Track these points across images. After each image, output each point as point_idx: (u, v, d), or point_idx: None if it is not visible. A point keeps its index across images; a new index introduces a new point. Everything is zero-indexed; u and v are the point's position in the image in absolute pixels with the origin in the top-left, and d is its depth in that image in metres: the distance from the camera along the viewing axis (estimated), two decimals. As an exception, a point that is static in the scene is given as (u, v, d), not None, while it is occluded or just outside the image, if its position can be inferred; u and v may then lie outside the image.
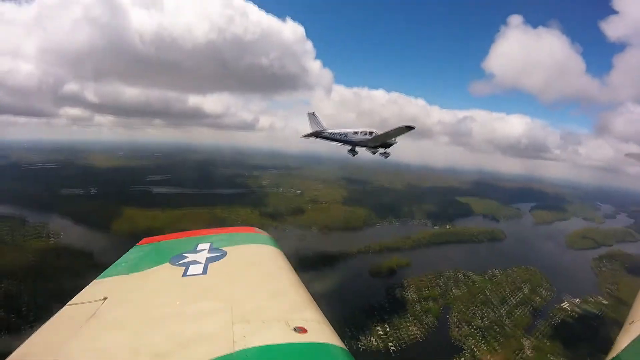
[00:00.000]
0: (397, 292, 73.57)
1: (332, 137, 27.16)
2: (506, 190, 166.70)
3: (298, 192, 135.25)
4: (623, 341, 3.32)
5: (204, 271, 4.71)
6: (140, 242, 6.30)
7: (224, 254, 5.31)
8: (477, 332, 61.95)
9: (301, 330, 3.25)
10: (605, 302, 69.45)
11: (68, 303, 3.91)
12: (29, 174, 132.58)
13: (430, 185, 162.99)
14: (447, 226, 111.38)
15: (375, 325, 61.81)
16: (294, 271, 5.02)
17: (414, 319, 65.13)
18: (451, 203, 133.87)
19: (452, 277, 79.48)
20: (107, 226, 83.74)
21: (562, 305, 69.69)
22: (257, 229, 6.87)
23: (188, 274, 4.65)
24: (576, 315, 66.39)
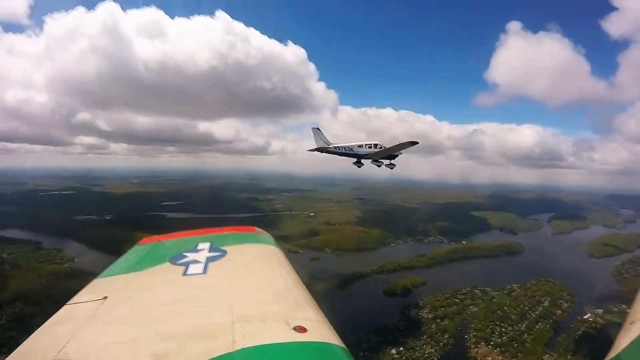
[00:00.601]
0: (412, 311, 72.04)
1: (336, 152, 27.40)
2: (523, 202, 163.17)
3: (312, 214, 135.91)
4: (623, 341, 3.37)
5: (204, 270, 4.75)
6: (140, 242, 6.38)
7: (224, 253, 5.36)
8: (496, 350, 60.48)
9: (301, 329, 3.27)
10: (628, 310, 66.43)
11: (68, 302, 3.99)
12: (45, 200, 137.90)
13: (445, 201, 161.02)
14: (464, 242, 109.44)
15: (390, 348, 61.13)
16: (294, 271, 5.07)
17: (429, 339, 63.76)
18: (467, 218, 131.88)
19: (469, 294, 77.73)
20: (119, 251, 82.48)
21: (584, 317, 67.29)
22: (257, 229, 6.95)
23: (188, 273, 4.69)
24: (599, 327, 64.01)
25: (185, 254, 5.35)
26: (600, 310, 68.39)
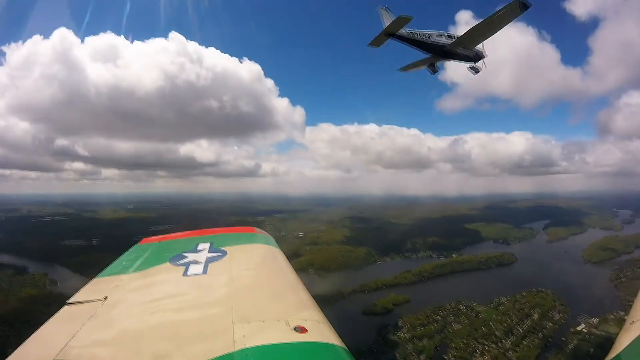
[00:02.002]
0: (390, 332, 66.35)
1: (411, 38, 21.81)
2: (518, 211, 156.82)
3: (300, 234, 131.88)
4: (623, 341, 3.27)
5: (204, 271, 4.70)
6: (140, 242, 6.36)
7: (224, 253, 5.30)
8: (476, 371, 53.65)
9: (301, 330, 3.18)
10: (626, 317, 59.68)
11: (68, 302, 3.91)
12: (37, 226, 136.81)
13: (438, 216, 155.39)
14: (454, 256, 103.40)
15: (359, 373, 54.58)
16: (294, 271, 5.03)
17: (404, 362, 57.47)
18: (459, 232, 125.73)
19: (452, 310, 71.24)
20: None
21: (577, 328, 60.27)
22: (257, 229, 7.01)
23: (188, 273, 4.63)
24: (593, 337, 57.02)
25: (185, 254, 5.32)
26: (595, 320, 61.27)
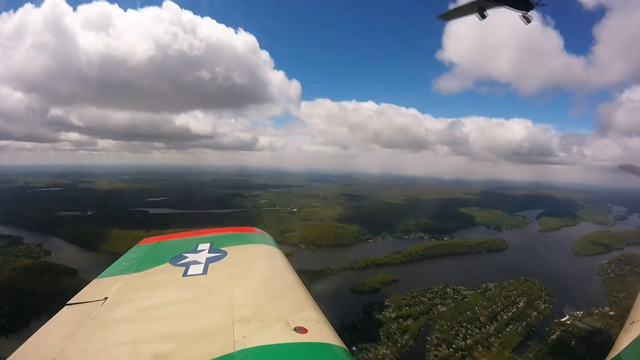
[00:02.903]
0: (376, 310, 66.94)
1: None
2: (513, 198, 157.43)
3: (294, 210, 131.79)
4: (623, 341, 3.24)
5: (204, 271, 4.67)
6: (140, 242, 6.32)
7: (224, 254, 5.28)
8: (457, 354, 54.23)
9: (301, 330, 3.16)
10: (611, 312, 60.33)
11: (68, 303, 3.86)
12: (33, 197, 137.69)
13: (433, 197, 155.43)
14: (445, 239, 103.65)
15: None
16: (294, 271, 4.99)
17: (386, 339, 57.93)
18: (452, 215, 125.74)
19: (439, 292, 71.71)
20: (95, 246, 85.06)
21: (561, 319, 60.89)
22: (257, 229, 7.02)
23: (188, 274, 4.59)
24: (576, 330, 57.64)
25: (185, 254, 5.32)
26: (580, 313, 61.95)
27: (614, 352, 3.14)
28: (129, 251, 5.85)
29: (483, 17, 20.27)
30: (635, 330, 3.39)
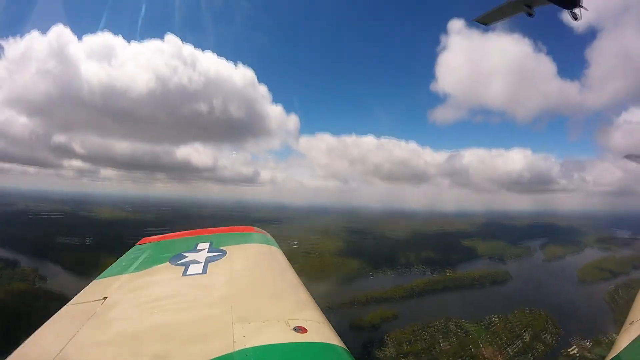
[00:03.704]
0: (376, 347, 64.57)
1: None
2: (516, 228, 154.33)
3: (295, 244, 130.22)
4: (623, 341, 3.24)
5: (204, 271, 4.61)
6: (139, 242, 6.27)
7: (224, 253, 5.22)
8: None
9: (301, 330, 3.15)
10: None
11: (68, 303, 3.85)
12: (33, 222, 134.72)
13: (435, 230, 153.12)
14: (447, 272, 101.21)
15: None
16: (294, 271, 5.05)
17: (387, 380, 55.37)
18: (455, 247, 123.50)
19: (441, 327, 69.21)
20: (91, 274, 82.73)
21: (569, 350, 58.03)
22: (257, 229, 7.14)
23: (188, 273, 4.54)
24: (584, 362, 54.84)
25: (184, 254, 5.24)
26: (588, 342, 59.01)
27: (614, 352, 3.14)
28: (128, 251, 5.85)
29: (530, 14, 18.33)
30: (634, 330, 3.37)
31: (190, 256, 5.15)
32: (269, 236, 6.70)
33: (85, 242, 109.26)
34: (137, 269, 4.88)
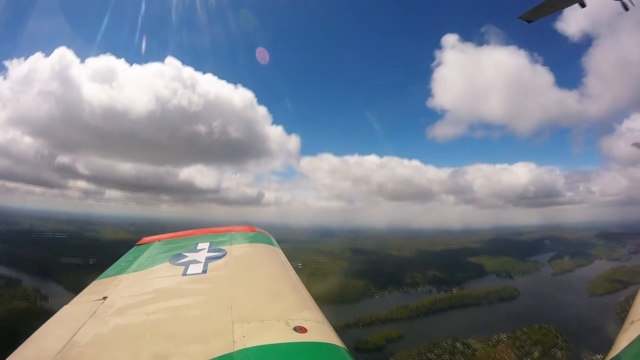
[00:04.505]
0: (380, 370, 62.74)
1: None
2: (523, 243, 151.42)
3: (300, 265, 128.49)
4: (623, 341, 3.22)
5: (204, 270, 4.60)
6: (139, 242, 6.30)
7: (224, 253, 5.22)
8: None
9: (301, 330, 3.13)
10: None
11: (68, 303, 3.91)
12: (37, 241, 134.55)
13: (442, 248, 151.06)
14: (454, 290, 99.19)
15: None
16: (294, 271, 5.00)
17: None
18: (461, 265, 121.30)
19: (448, 347, 67.11)
20: None
21: (581, 366, 55.86)
22: (257, 228, 6.92)
23: (188, 273, 4.53)
24: (597, 378, 52.45)
25: (185, 254, 5.23)
26: (600, 356, 56.65)
27: (614, 352, 3.12)
28: (128, 251, 5.88)
29: (583, 5, 17.10)
30: (634, 330, 3.35)
31: (190, 256, 5.15)
32: (269, 236, 6.66)
33: (89, 262, 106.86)
34: (137, 269, 4.89)
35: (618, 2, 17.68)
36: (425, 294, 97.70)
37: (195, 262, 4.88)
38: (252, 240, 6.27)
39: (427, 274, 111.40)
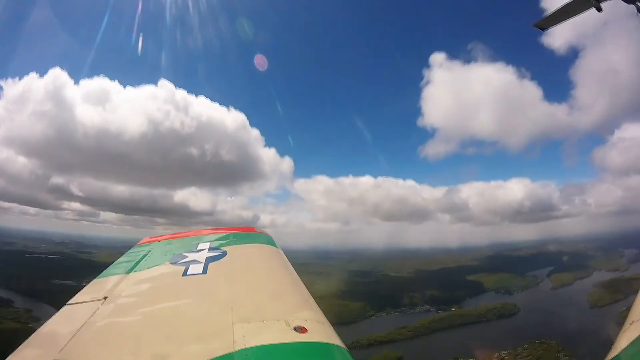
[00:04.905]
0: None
1: None
2: (521, 258, 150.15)
3: None
4: (623, 341, 3.20)
5: (204, 271, 4.57)
6: (140, 242, 6.40)
7: (224, 253, 5.19)
8: None
9: (301, 330, 3.08)
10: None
11: (68, 303, 3.88)
12: (30, 262, 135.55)
13: (439, 267, 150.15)
14: (453, 309, 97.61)
15: None
16: (294, 271, 4.93)
17: None
18: (460, 283, 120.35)
19: (447, 367, 65.50)
20: None
21: (584, 381, 54.01)
22: (257, 229, 6.84)
23: (188, 273, 4.50)
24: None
25: (185, 254, 5.23)
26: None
27: (614, 352, 3.08)
28: (128, 251, 5.86)
29: (600, 9, 16.08)
30: (634, 330, 3.29)
31: (191, 256, 5.11)
32: (269, 236, 6.56)
33: (82, 284, 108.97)
34: (137, 269, 4.89)
35: (632, 5, 17.06)
36: (423, 314, 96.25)
37: (195, 262, 4.85)
38: (253, 240, 6.26)
39: (425, 293, 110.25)
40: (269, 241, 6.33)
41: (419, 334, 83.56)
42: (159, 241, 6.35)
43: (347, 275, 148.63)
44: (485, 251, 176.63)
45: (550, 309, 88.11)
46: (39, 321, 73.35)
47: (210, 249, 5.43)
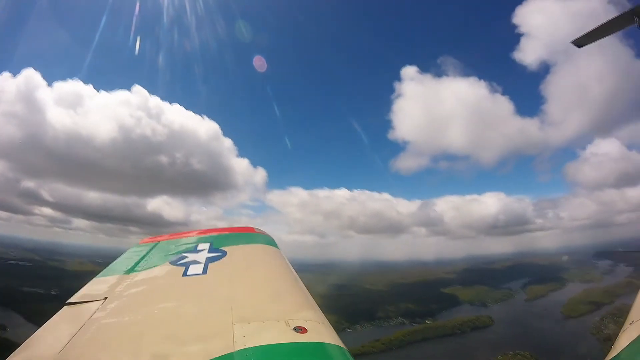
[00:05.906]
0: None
1: None
2: (496, 271, 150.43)
3: None
4: (623, 341, 3.22)
5: (204, 271, 4.58)
6: (140, 242, 6.23)
7: (224, 253, 5.17)
8: None
9: (301, 330, 3.12)
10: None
11: (67, 302, 3.81)
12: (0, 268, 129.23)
13: (415, 280, 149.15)
14: (427, 321, 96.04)
15: None
16: (294, 271, 4.95)
17: None
18: (435, 296, 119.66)
19: (420, 380, 62.81)
20: None
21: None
22: (256, 229, 6.82)
23: (188, 273, 4.52)
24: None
25: (185, 254, 5.24)
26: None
27: (613, 352, 3.06)
28: (128, 251, 5.71)
29: None
30: (634, 330, 3.28)
31: (191, 256, 5.02)
32: (269, 237, 6.45)
33: (51, 292, 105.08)
34: (137, 269, 4.77)
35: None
36: (398, 327, 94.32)
37: (195, 262, 4.76)
38: (252, 240, 6.12)
39: (400, 306, 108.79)
40: (269, 241, 6.22)
41: (393, 346, 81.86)
42: (159, 241, 6.19)
43: (323, 287, 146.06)
44: (461, 264, 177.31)
45: (525, 321, 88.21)
46: (4, 329, 74.82)
47: (210, 249, 5.34)
